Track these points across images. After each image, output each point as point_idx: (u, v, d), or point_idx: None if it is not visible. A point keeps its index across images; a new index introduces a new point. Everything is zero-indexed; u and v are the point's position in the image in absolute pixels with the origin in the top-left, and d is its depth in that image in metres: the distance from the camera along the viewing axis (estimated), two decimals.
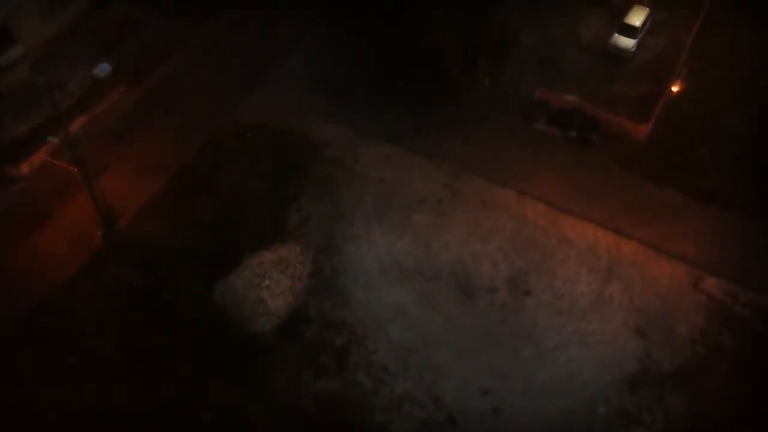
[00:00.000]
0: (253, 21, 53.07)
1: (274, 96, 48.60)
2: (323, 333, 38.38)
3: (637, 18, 50.83)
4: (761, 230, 41.80)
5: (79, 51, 50.83)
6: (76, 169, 36.74)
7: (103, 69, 49.24)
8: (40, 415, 34.83)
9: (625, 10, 51.85)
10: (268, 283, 39.49)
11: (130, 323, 37.58)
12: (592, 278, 40.50)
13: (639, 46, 50.61)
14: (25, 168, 43.98)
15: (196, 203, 42.55)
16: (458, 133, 46.79)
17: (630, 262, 41.04)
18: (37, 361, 36.47)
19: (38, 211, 41.65)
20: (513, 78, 48.66)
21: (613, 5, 53.25)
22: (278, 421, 35.32)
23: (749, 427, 35.42)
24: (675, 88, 47.09)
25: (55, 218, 41.43)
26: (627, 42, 50.19)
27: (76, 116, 46.18)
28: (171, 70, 49.93)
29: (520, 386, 36.63)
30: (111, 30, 50.86)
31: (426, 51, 44.38)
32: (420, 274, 40.76)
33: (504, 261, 41.24)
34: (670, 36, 51.88)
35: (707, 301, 39.53)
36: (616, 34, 50.59)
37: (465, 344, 38.18)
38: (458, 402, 36.15)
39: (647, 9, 51.52)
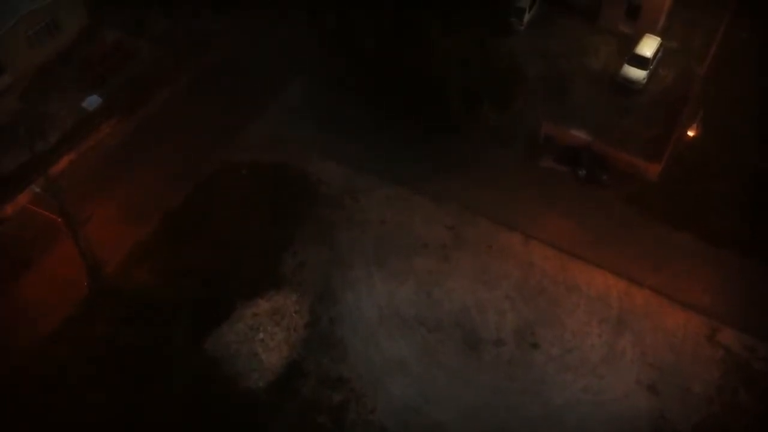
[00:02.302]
0: (248, 52, 51.08)
1: (270, 130, 46.71)
2: (320, 389, 36.46)
3: (648, 48, 48.89)
4: None
5: (68, 81, 49.05)
6: (60, 219, 34.79)
7: (92, 101, 47.40)
8: None
9: (636, 39, 49.93)
10: (262, 337, 37.60)
11: (116, 382, 35.60)
12: (602, 330, 38.59)
13: (650, 77, 48.65)
14: (9, 208, 42.02)
15: (186, 248, 40.62)
16: (461, 170, 44.92)
17: (642, 312, 39.13)
18: (16, 423, 34.52)
19: (21, 257, 39.73)
20: (518, 111, 46.65)
21: (623, 34, 51.34)
22: None
23: None
24: (688, 124, 45.03)
25: (39, 265, 39.52)
26: (638, 73, 48.25)
27: (63, 153, 44.19)
28: (163, 102, 48.02)
29: None
30: (102, 59, 48.94)
31: (428, 85, 42.32)
32: (422, 324, 38.85)
33: (511, 310, 39.32)
34: (681, 67, 49.97)
35: (723, 355, 37.61)
36: (626, 65, 48.64)
37: (469, 402, 36.25)
38: None
39: (658, 39, 49.56)
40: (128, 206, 42.04)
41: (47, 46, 49.47)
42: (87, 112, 46.93)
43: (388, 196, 43.90)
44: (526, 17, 51.92)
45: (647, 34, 49.72)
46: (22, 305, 38.09)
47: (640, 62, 48.39)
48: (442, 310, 39.30)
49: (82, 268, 37.93)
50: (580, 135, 45.25)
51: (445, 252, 41.55)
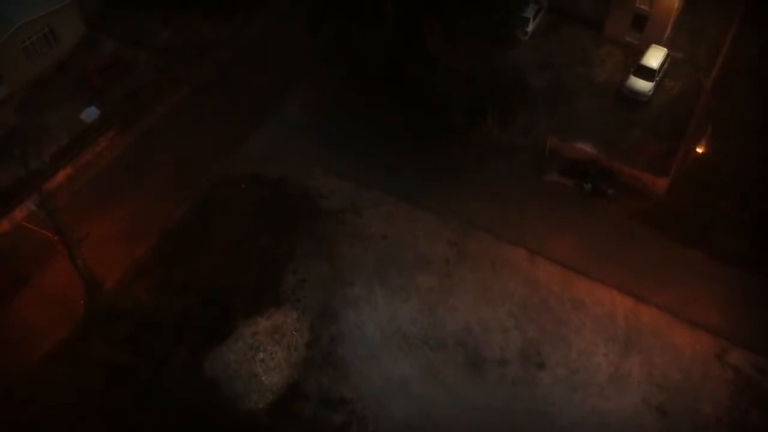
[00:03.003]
0: (248, 63, 50.32)
1: (271, 143, 45.93)
2: (321, 411, 35.77)
3: (654, 59, 48.07)
4: None
5: (66, 92, 48.32)
6: (56, 237, 34.07)
7: (90, 113, 46.68)
8: None
9: (642, 50, 49.15)
10: (262, 356, 36.85)
11: (114, 403, 34.91)
12: (609, 349, 37.79)
13: (656, 88, 47.85)
14: (5, 224, 41.27)
15: (185, 265, 39.88)
16: (465, 184, 44.13)
17: (650, 330, 38.34)
18: None
19: (16, 274, 38.95)
20: (523, 124, 45.84)
21: (629, 44, 50.58)
22: None
23: None
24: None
25: (35, 282, 38.77)
26: (644, 85, 47.44)
27: (60, 167, 43.46)
28: (161, 114, 47.20)
29: None
30: (100, 71, 48.17)
31: (431, 97, 41.50)
32: (425, 343, 38.08)
33: (515, 329, 38.55)
34: (688, 78, 49.14)
35: (733, 375, 36.81)
36: (632, 76, 47.85)
37: (473, 423, 35.53)
38: None
39: (665, 49, 48.77)
40: (126, 222, 41.29)
41: (44, 57, 48.73)
42: (85, 124, 46.19)
43: (390, 210, 43.14)
44: (531, 27, 51.16)
45: (653, 45, 48.91)
46: (17, 324, 37.38)
47: (647, 74, 47.58)
48: (445, 329, 38.54)
49: (79, 286, 37.18)
50: (585, 148, 44.49)
51: (448, 268, 40.77)
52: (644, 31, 50.02)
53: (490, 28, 41.09)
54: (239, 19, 52.32)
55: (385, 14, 40.53)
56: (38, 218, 35.46)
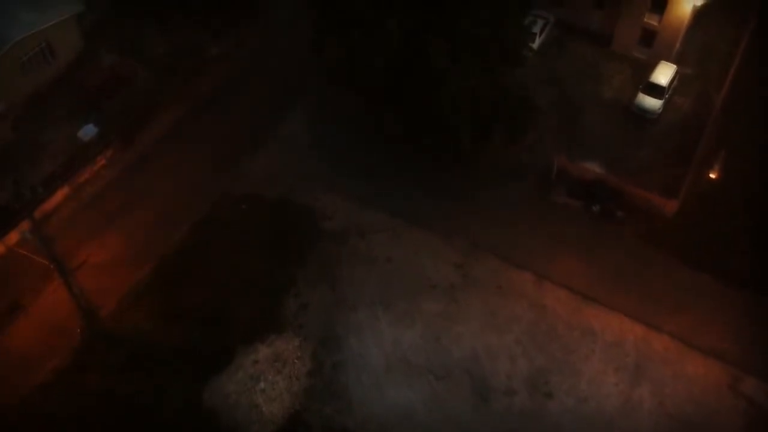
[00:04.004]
0: (248, 78, 49.33)
1: (272, 162, 44.97)
2: None
3: (663, 76, 47.10)
4: None
5: (63, 109, 47.35)
6: (52, 265, 33.13)
7: (88, 131, 45.71)
8: None
9: (650, 65, 48.18)
10: (263, 386, 35.89)
11: None
12: (619, 378, 36.85)
13: (666, 106, 46.89)
14: (1, 247, 40.30)
15: (184, 289, 38.98)
16: (470, 205, 43.18)
17: (660, 358, 37.40)
18: None
19: (13, 299, 38.00)
20: (529, 142, 44.86)
21: (637, 60, 49.61)
22: None
23: None
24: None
25: (30, 308, 37.80)
26: (653, 102, 46.49)
27: (57, 187, 42.53)
28: (160, 132, 46.21)
29: None
30: (98, 86, 47.22)
31: (436, 116, 40.51)
32: (430, 372, 37.15)
33: (522, 357, 37.60)
34: (698, 94, 48.17)
35: (746, 406, 35.90)
36: (641, 94, 46.88)
37: None
38: None
39: (674, 66, 47.79)
40: (124, 245, 40.34)
41: (42, 72, 47.73)
42: (82, 142, 45.25)
43: (394, 232, 42.19)
44: (537, 41, 50.19)
45: (662, 62, 47.93)
46: (12, 351, 36.41)
47: (656, 91, 46.62)
48: (450, 357, 37.60)
49: (75, 312, 36.23)
50: (593, 168, 43.57)
51: (453, 293, 39.84)
52: (653, 47, 49.05)
53: (498, 48, 40.02)
54: (240, 33, 51.25)
55: (389, 33, 39.45)
56: (33, 245, 34.47)
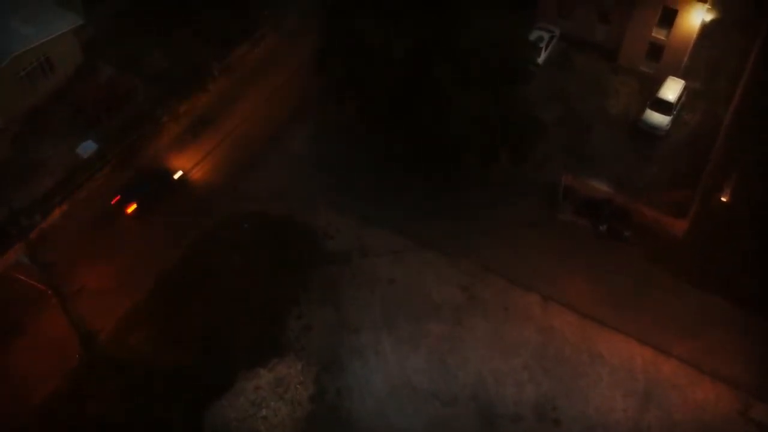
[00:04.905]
0: (250, 94, 48.46)
1: (274, 181, 44.22)
2: None
3: (671, 92, 46.40)
4: None
5: (62, 124, 46.65)
6: (49, 292, 32.45)
7: (87, 147, 45.01)
8: None
9: (658, 80, 47.47)
10: (265, 413, 35.13)
11: None
12: (628, 404, 36.16)
13: (674, 122, 46.17)
14: None
15: (184, 311, 38.26)
16: (475, 224, 42.46)
17: (670, 384, 36.73)
18: None
19: (9, 321, 37.26)
20: (536, 159, 44.06)
21: (644, 74, 48.91)
22: None
23: None
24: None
25: (28, 331, 37.03)
26: (661, 119, 45.78)
27: (55, 206, 41.86)
28: (161, 148, 45.50)
29: None
30: (97, 100, 46.47)
31: (441, 135, 39.73)
32: (435, 397, 36.45)
33: (530, 382, 36.91)
34: (707, 110, 47.45)
35: None
36: (649, 110, 46.17)
37: None
38: None
39: (682, 81, 47.07)
40: (122, 266, 39.60)
41: (40, 86, 47.04)
42: (81, 159, 44.55)
43: (397, 251, 41.48)
44: (543, 56, 49.47)
45: (670, 77, 47.23)
46: (8, 376, 35.68)
47: (664, 107, 45.92)
48: (456, 381, 36.90)
49: (73, 336, 35.54)
50: (600, 187, 42.83)
51: (458, 315, 39.14)
52: (661, 61, 48.33)
53: (504, 67, 39.28)
54: (242, 48, 50.55)
55: (394, 57, 38.65)
56: (30, 270, 33.81)
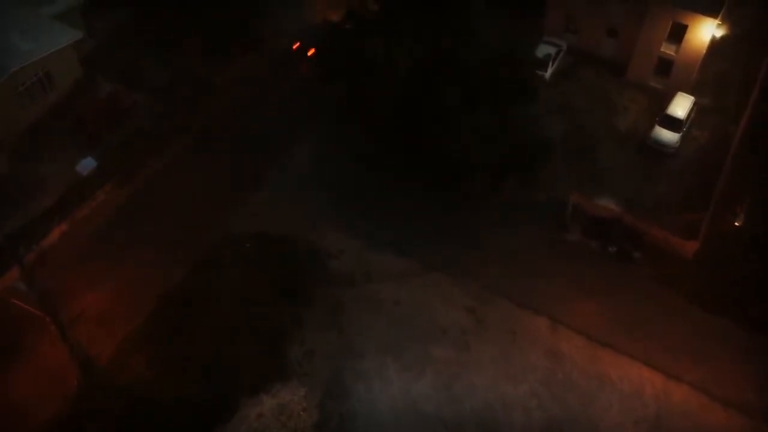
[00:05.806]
0: (252, 110, 47.75)
1: (277, 199, 43.44)
2: None
3: (680, 108, 45.67)
4: None
5: (61, 140, 45.87)
6: (47, 319, 31.71)
7: (86, 165, 44.25)
8: None
9: (667, 96, 46.71)
10: None
11: None
12: (638, 431, 35.37)
13: (683, 139, 45.39)
14: None
15: (185, 336, 37.38)
16: (481, 245, 41.70)
17: (681, 411, 35.93)
18: None
19: (8, 345, 36.48)
20: (543, 178, 43.17)
21: (653, 89, 48.16)
22: None
23: None
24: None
25: (25, 356, 36.22)
26: (670, 136, 45.04)
27: (55, 225, 41.12)
28: (161, 167, 44.71)
29: None
30: (96, 116, 45.75)
31: (447, 154, 38.95)
32: (442, 424, 35.67)
33: (538, 408, 36.13)
34: (717, 127, 46.67)
35: None
36: (658, 127, 45.43)
37: None
38: None
39: (691, 97, 46.32)
40: (122, 288, 38.76)
41: (39, 101, 46.28)
42: (81, 176, 43.82)
43: (403, 273, 40.72)
44: (550, 70, 48.74)
45: (680, 93, 46.49)
46: (6, 401, 34.81)
47: (673, 124, 45.20)
48: (463, 408, 36.11)
49: (71, 361, 34.80)
50: (609, 206, 42.09)
51: (465, 339, 38.36)
52: (670, 76, 47.58)
53: (511, 85, 38.55)
54: (244, 62, 49.81)
55: (401, 66, 37.97)
56: (28, 297, 33.05)
